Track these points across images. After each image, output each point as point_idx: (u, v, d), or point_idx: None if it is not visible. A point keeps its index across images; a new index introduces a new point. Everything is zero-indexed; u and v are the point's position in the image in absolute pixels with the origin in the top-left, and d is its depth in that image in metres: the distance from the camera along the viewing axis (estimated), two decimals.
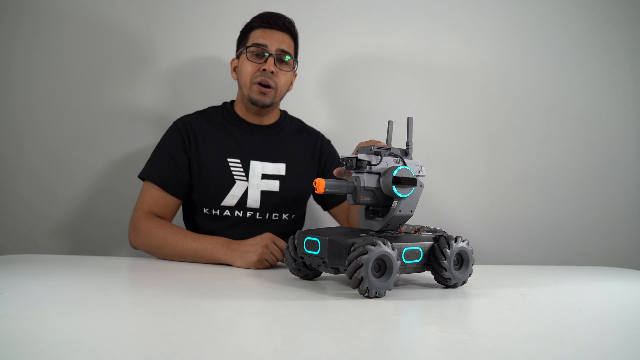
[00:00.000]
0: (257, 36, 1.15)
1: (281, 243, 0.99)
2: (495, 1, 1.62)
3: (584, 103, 1.65)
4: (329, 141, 1.32)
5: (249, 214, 1.16)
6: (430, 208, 1.52)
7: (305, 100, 1.47)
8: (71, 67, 1.36)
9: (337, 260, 0.71)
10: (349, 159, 0.75)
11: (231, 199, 1.14)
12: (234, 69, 1.22)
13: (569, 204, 1.63)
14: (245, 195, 1.15)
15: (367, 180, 0.75)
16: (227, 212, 1.15)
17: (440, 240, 0.78)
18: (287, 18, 1.18)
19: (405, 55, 1.57)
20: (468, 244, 0.80)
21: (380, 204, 0.77)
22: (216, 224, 1.15)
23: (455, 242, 0.78)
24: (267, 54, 1.13)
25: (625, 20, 1.67)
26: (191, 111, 1.24)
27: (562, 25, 1.65)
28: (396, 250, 0.70)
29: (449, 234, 0.82)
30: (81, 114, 1.37)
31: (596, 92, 1.66)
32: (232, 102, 1.27)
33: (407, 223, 0.85)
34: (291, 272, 0.84)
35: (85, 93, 1.37)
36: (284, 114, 1.30)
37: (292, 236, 0.82)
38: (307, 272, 0.82)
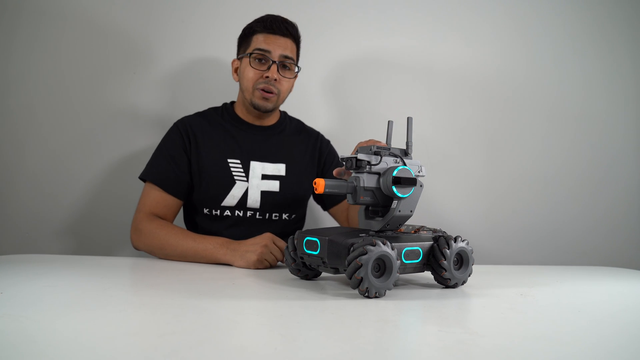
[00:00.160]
0: (259, 41, 1.14)
1: (281, 243, 0.99)
2: (495, 1, 1.62)
3: (584, 103, 1.66)
4: (328, 141, 1.32)
5: (249, 214, 1.16)
6: (430, 208, 1.52)
7: (305, 101, 1.47)
8: (71, 68, 1.36)
9: (337, 260, 0.71)
10: (348, 159, 0.75)
11: (231, 199, 1.14)
12: (235, 70, 1.22)
13: (569, 204, 1.63)
14: (245, 195, 1.15)
15: (367, 180, 0.75)
16: (227, 212, 1.15)
17: (440, 241, 0.78)
18: (290, 22, 1.17)
19: (405, 56, 1.57)
20: (468, 244, 0.80)
21: (380, 204, 0.77)
22: (216, 224, 1.15)
23: (455, 242, 0.78)
24: (270, 61, 1.13)
25: (625, 20, 1.67)
26: (191, 112, 1.24)
27: (562, 25, 1.65)
28: (396, 250, 0.70)
29: (448, 234, 0.82)
30: (81, 114, 1.37)
31: (596, 92, 1.66)
32: (232, 103, 1.27)
33: (406, 223, 0.85)
34: (291, 272, 0.84)
35: (86, 93, 1.37)
36: (283, 114, 1.30)
37: (291, 236, 0.82)
38: (307, 272, 0.82)
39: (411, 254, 0.75)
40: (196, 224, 1.18)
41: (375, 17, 1.55)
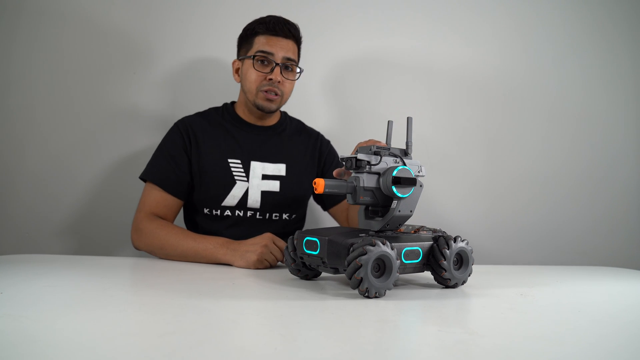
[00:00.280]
0: (262, 43, 1.14)
1: (281, 243, 0.99)
2: (495, 1, 1.62)
3: (584, 103, 1.66)
4: (328, 141, 1.32)
5: (249, 214, 1.16)
6: (430, 208, 1.52)
7: (306, 101, 1.47)
8: (71, 68, 1.36)
9: (337, 260, 0.71)
10: (348, 158, 0.75)
11: (232, 199, 1.14)
12: (236, 71, 1.22)
13: (569, 204, 1.63)
14: (245, 195, 1.15)
15: (367, 180, 0.75)
16: (227, 212, 1.15)
17: (440, 241, 0.78)
18: (292, 23, 1.17)
19: (405, 56, 1.57)
20: (467, 243, 0.80)
21: (380, 204, 0.77)
22: (217, 224, 1.16)
23: (455, 242, 0.78)
24: (273, 63, 1.13)
25: (625, 20, 1.67)
26: (191, 112, 1.24)
27: (562, 25, 1.65)
28: (395, 250, 0.70)
29: (448, 234, 0.82)
30: (81, 114, 1.37)
31: (596, 92, 1.66)
32: (233, 103, 1.27)
33: (406, 223, 0.85)
34: (291, 272, 0.84)
35: (86, 94, 1.37)
36: (284, 115, 1.30)
37: (291, 236, 0.82)
38: (306, 272, 0.82)
39: (411, 254, 0.75)
40: (196, 223, 1.18)
41: (375, 17, 1.55)
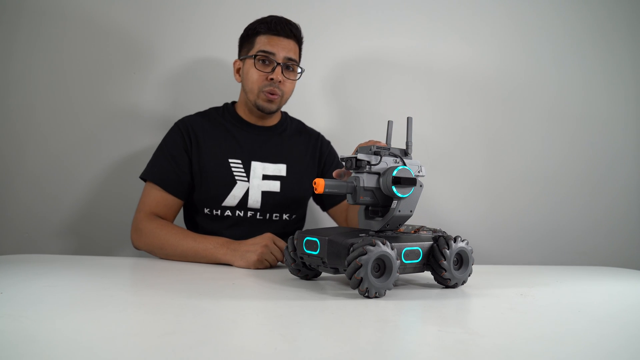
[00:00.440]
0: (263, 43, 1.14)
1: (281, 243, 0.99)
2: (495, 1, 1.62)
3: (584, 103, 1.66)
4: (328, 142, 1.33)
5: (249, 214, 1.16)
6: (430, 208, 1.52)
7: (306, 101, 1.47)
8: (71, 68, 1.36)
9: (337, 260, 0.71)
10: (348, 159, 0.75)
11: (232, 199, 1.14)
12: (237, 71, 1.22)
13: (569, 204, 1.63)
14: (246, 195, 1.15)
15: (367, 180, 0.75)
16: (228, 212, 1.15)
17: (440, 241, 0.78)
18: (294, 23, 1.17)
19: (405, 56, 1.57)
20: (468, 243, 0.80)
21: (380, 204, 0.77)
22: (217, 224, 1.16)
23: (455, 242, 0.78)
24: (274, 63, 1.13)
25: (625, 20, 1.67)
26: (192, 112, 1.24)
27: (562, 25, 1.65)
28: (395, 250, 0.70)
29: (448, 234, 0.82)
30: (81, 114, 1.37)
31: (596, 92, 1.66)
32: (234, 103, 1.27)
33: (406, 223, 0.85)
34: (291, 272, 0.84)
35: (86, 93, 1.37)
36: (284, 115, 1.30)
37: (291, 236, 0.82)
38: (306, 272, 0.82)
39: (411, 254, 0.75)
40: (197, 223, 1.18)
41: (375, 17, 1.55)
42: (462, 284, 0.80)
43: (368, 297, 0.68)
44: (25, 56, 1.33)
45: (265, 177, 1.17)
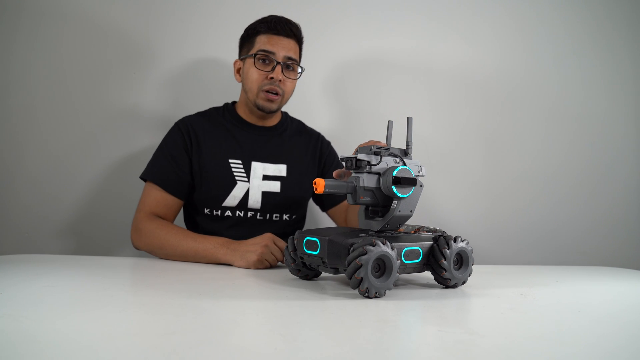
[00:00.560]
0: (263, 42, 1.14)
1: (281, 243, 0.99)
2: (495, 1, 1.62)
3: (584, 103, 1.66)
4: (329, 142, 1.33)
5: (249, 214, 1.16)
6: (430, 208, 1.52)
7: (306, 101, 1.47)
8: (71, 68, 1.36)
9: (337, 260, 0.71)
10: (348, 158, 0.75)
11: (232, 199, 1.14)
12: (238, 71, 1.22)
13: (569, 204, 1.63)
14: (246, 196, 1.15)
15: (367, 180, 0.75)
16: (228, 213, 1.15)
17: (440, 241, 0.78)
18: (294, 23, 1.17)
19: (405, 56, 1.57)
20: (468, 243, 0.80)
21: (380, 204, 0.77)
22: (217, 224, 1.15)
23: (455, 242, 0.78)
24: (274, 62, 1.13)
25: (625, 20, 1.67)
26: (192, 112, 1.24)
27: (562, 25, 1.65)
28: (396, 250, 0.70)
29: (448, 234, 0.82)
30: (81, 114, 1.37)
31: (596, 92, 1.66)
32: (234, 103, 1.27)
33: (406, 223, 0.85)
34: (291, 272, 0.84)
35: (86, 94, 1.37)
36: (285, 115, 1.30)
37: (291, 236, 0.82)
38: (307, 272, 0.82)
39: (411, 254, 0.75)
40: (197, 224, 1.18)
41: (375, 17, 1.55)
42: (462, 284, 0.80)
43: (368, 297, 0.68)
44: (25, 56, 1.33)
45: (266, 178, 1.17)
